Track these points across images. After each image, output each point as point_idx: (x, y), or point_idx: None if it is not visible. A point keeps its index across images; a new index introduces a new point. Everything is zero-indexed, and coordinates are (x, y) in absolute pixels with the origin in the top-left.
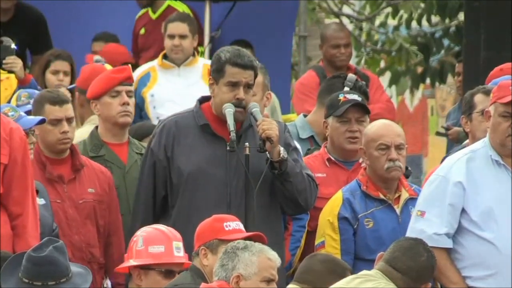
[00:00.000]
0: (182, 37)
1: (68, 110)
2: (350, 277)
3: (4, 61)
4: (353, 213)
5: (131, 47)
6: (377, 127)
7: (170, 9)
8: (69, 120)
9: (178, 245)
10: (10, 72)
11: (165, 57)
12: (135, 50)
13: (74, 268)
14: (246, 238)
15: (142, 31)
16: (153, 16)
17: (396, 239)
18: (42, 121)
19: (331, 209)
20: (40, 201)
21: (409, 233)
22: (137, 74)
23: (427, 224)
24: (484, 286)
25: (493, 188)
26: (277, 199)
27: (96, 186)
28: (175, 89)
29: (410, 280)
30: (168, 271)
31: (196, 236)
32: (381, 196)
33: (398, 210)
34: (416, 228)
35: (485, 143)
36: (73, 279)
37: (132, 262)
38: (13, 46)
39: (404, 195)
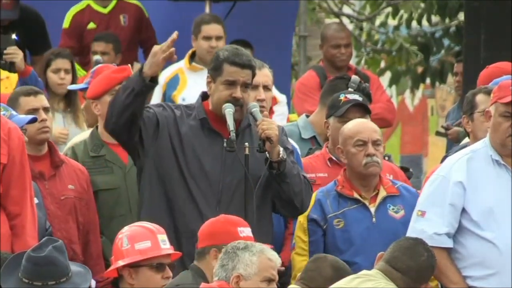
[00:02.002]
0: (218, 38)
1: (43, 100)
2: (350, 277)
3: (5, 51)
4: (322, 214)
5: (59, 44)
6: (353, 125)
7: (121, 4)
8: (45, 109)
9: (163, 237)
10: (10, 62)
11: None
12: (75, 45)
13: (74, 267)
14: None
15: (92, 25)
16: (104, 11)
17: (369, 238)
18: (33, 120)
19: None
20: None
21: (410, 233)
22: (164, 76)
23: (428, 224)
24: (484, 286)
25: (494, 188)
26: (270, 200)
27: (76, 183)
28: None
29: (410, 280)
30: (159, 264)
31: (204, 235)
32: (355, 196)
33: (373, 209)
34: (417, 228)
35: (485, 143)
36: (73, 278)
37: (121, 263)
38: (13, 36)
39: (382, 193)
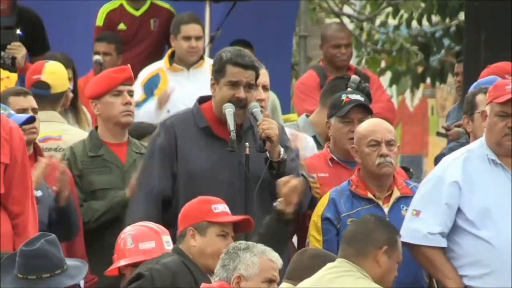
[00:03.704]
0: (198, 38)
1: (32, 100)
2: (318, 274)
3: (8, 46)
4: (336, 213)
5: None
6: (368, 124)
7: (153, 7)
8: (34, 110)
9: (167, 239)
10: (12, 58)
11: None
12: None
13: (71, 262)
14: (234, 222)
15: (122, 26)
16: (136, 13)
17: None
18: (30, 119)
19: (317, 210)
20: (37, 193)
21: (403, 232)
22: (144, 75)
23: (422, 223)
24: (481, 286)
25: (490, 187)
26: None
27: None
28: (186, 93)
29: (359, 248)
30: None
31: (181, 217)
32: (369, 195)
33: (386, 209)
34: (411, 227)
35: (481, 143)
36: (68, 271)
37: (123, 262)
38: (18, 32)
39: (396, 193)
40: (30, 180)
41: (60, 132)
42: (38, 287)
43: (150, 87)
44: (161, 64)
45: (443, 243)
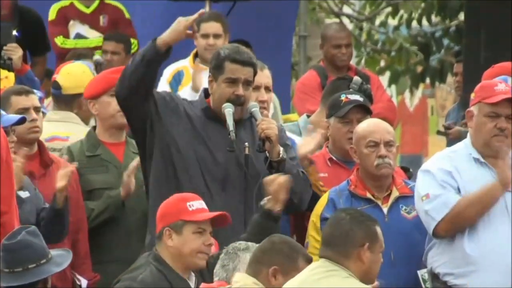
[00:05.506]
0: (216, 36)
1: (34, 99)
2: (303, 274)
3: (4, 47)
4: None
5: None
6: (367, 125)
7: (103, 5)
8: (36, 109)
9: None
10: (8, 59)
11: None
12: (65, 30)
13: (54, 251)
14: (211, 218)
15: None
16: (87, 11)
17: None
18: (21, 119)
19: (316, 210)
20: (24, 193)
21: (421, 215)
22: (168, 73)
23: (436, 197)
24: (468, 285)
25: (476, 186)
26: None
27: None
28: None
29: (340, 250)
30: None
31: (159, 217)
32: (368, 196)
33: (386, 209)
34: (430, 209)
35: (465, 144)
36: (54, 259)
37: None
38: (14, 32)
39: (395, 193)
40: (13, 178)
41: (69, 133)
42: (25, 278)
43: (176, 83)
44: (185, 63)
45: (458, 197)
